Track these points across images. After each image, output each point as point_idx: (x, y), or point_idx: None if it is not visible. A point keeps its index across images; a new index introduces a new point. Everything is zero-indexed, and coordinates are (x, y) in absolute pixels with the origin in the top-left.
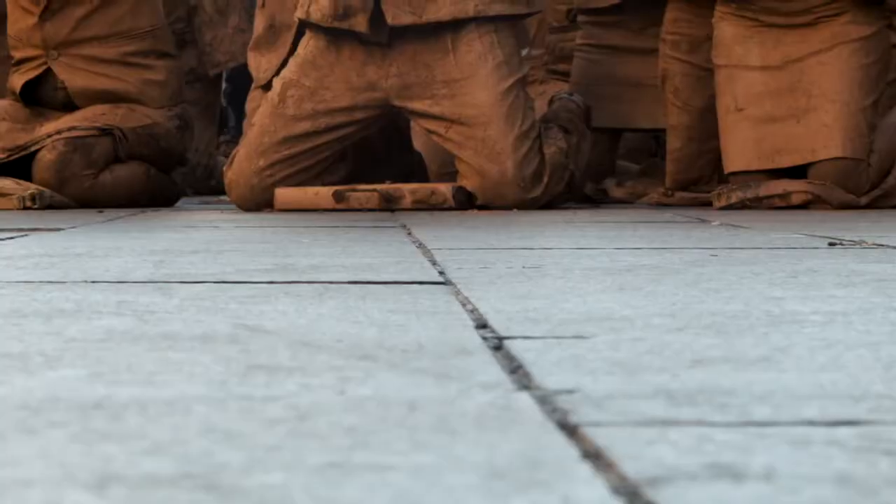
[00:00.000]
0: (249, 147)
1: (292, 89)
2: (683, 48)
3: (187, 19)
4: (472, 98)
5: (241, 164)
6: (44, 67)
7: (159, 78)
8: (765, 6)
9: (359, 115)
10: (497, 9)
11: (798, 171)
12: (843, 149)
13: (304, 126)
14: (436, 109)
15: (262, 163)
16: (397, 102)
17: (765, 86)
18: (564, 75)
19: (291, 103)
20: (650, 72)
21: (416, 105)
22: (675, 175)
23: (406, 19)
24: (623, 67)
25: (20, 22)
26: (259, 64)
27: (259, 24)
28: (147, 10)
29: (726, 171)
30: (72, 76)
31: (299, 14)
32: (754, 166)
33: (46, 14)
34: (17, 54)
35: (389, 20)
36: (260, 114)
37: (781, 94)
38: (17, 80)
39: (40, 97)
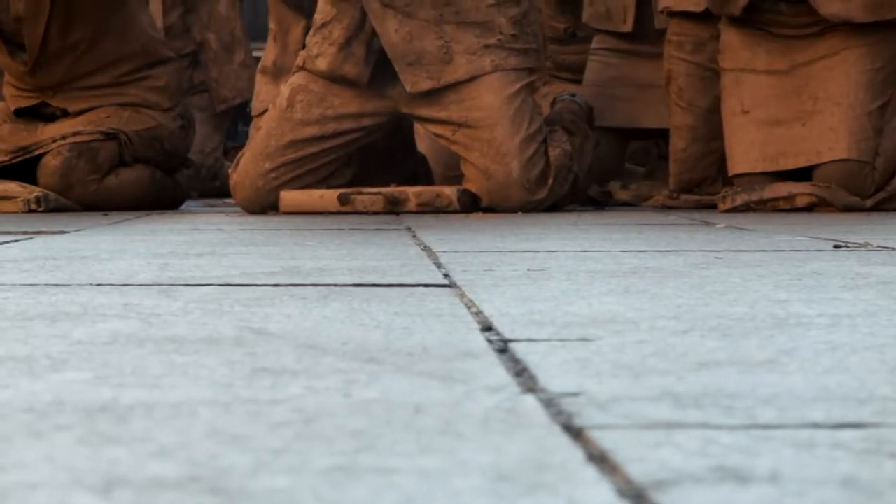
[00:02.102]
0: (255, 150)
1: (301, 94)
2: (687, 48)
3: (195, 52)
4: (479, 101)
5: (246, 167)
6: (39, 100)
7: (159, 84)
8: (772, 19)
9: (366, 122)
10: (512, 62)
11: (803, 174)
12: (849, 151)
13: (312, 130)
14: (443, 114)
15: (267, 165)
16: (405, 109)
17: (771, 89)
18: (567, 81)
19: (300, 108)
20: (661, 74)
21: (424, 111)
22: (679, 175)
23: (425, 85)
24: (635, 70)
25: (9, 58)
26: (260, 90)
27: (269, 54)
28: (134, 34)
29: (731, 174)
30: (72, 103)
31: (299, 62)
32: (759, 168)
33: (35, 68)
34: (11, 81)
35: (409, 88)
36: (267, 118)
37: (788, 97)
38: (12, 103)
39: (40, 114)
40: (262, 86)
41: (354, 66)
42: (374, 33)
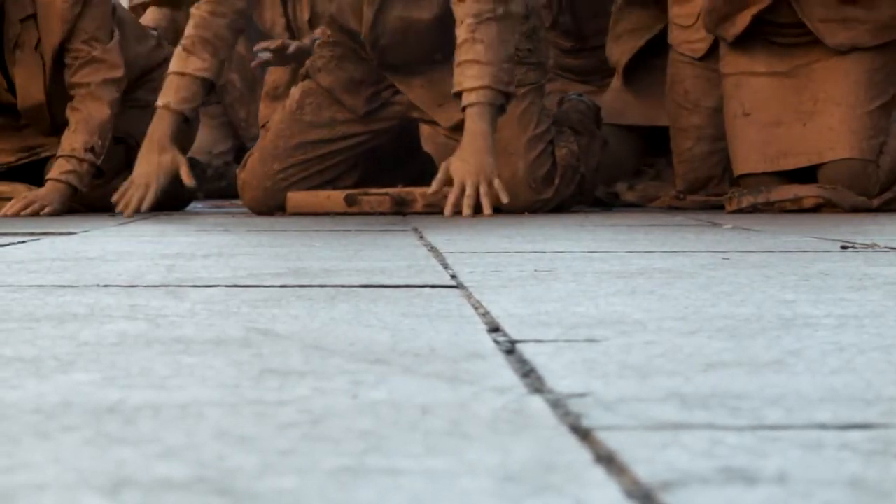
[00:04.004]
0: (264, 151)
1: (311, 97)
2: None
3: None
4: None
5: (254, 167)
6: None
7: (159, 84)
8: (770, 30)
9: (376, 126)
10: (531, 77)
11: (809, 174)
12: (851, 150)
13: (321, 133)
14: (456, 118)
15: (276, 166)
16: (416, 114)
17: (772, 91)
18: (571, 81)
19: (309, 110)
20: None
21: (432, 115)
22: (685, 175)
23: (458, 116)
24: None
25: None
26: (264, 107)
27: (274, 76)
28: (131, 67)
29: (735, 175)
30: None
31: (302, 71)
32: (760, 169)
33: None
34: None
35: (444, 124)
36: (276, 119)
37: (788, 98)
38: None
39: None
40: (264, 102)
41: (353, 100)
42: (387, 88)
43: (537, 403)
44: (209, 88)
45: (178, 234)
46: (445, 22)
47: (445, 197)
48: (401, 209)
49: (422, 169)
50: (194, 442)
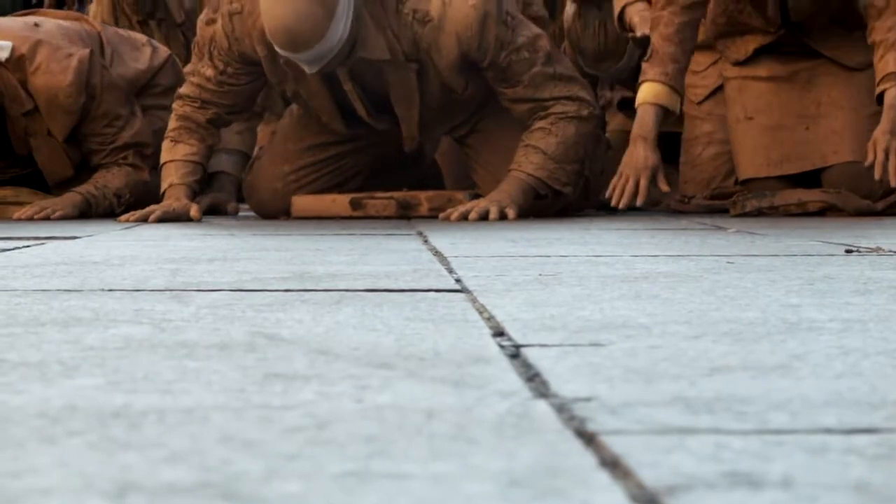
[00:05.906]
0: (273, 153)
1: None
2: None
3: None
4: (490, 108)
5: (263, 169)
6: None
7: (160, 90)
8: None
9: (383, 126)
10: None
11: (812, 178)
12: (853, 153)
13: (329, 135)
14: (464, 126)
15: (286, 168)
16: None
17: (774, 95)
18: None
19: (315, 113)
20: None
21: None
22: (694, 178)
23: (463, 130)
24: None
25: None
26: (264, 131)
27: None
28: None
29: (739, 179)
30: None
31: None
32: (763, 173)
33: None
34: None
35: (452, 134)
36: (283, 123)
37: (790, 102)
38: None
39: None
40: (262, 125)
41: (360, 111)
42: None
43: (542, 407)
44: (202, 173)
45: (182, 237)
46: (478, 100)
47: (450, 201)
48: (406, 213)
49: (426, 172)
50: (199, 446)
